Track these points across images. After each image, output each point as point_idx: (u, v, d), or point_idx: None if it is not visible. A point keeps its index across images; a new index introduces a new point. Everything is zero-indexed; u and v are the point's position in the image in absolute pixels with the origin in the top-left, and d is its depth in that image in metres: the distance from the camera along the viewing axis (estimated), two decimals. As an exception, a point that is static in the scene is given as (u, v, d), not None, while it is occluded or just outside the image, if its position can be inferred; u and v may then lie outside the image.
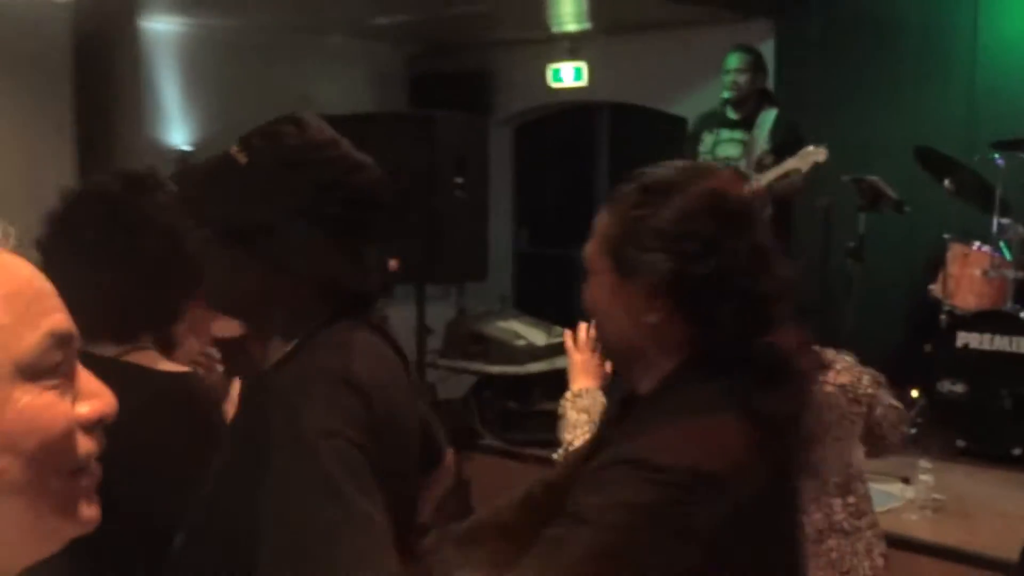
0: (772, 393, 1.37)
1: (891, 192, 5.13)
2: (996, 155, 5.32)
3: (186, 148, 6.63)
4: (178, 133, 6.71)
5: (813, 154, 5.23)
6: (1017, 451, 4.93)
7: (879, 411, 2.47)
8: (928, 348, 5.36)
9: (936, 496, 4.48)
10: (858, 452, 2.44)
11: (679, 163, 1.53)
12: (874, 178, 5.15)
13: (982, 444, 5.10)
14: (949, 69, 6.51)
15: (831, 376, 2.41)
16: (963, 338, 5.22)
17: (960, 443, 5.16)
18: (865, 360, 6.32)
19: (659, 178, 1.46)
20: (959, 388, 5.21)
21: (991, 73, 6.33)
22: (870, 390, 2.48)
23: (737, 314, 1.36)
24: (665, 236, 1.38)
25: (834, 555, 2.32)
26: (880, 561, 2.36)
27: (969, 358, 5.18)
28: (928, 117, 6.39)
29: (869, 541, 2.36)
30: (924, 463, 4.60)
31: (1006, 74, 6.23)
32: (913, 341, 5.68)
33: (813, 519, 2.30)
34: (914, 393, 5.34)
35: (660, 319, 1.40)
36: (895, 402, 2.60)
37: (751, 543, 1.31)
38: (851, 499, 2.35)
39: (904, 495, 4.55)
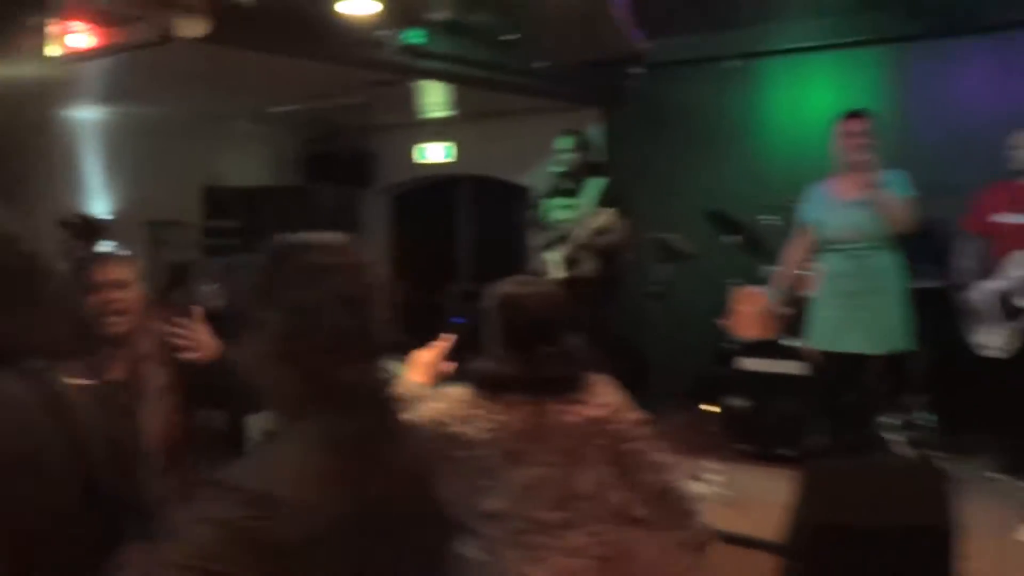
0: (354, 424, 1.35)
1: (683, 247, 5.26)
2: (768, 216, 5.53)
3: (108, 216, 6.46)
4: (100, 204, 6.53)
5: (604, 214, 5.36)
6: (785, 452, 5.05)
7: (626, 446, 2.28)
8: (719, 371, 5.50)
9: (724, 492, 4.54)
10: (594, 475, 2.25)
11: (305, 235, 1.47)
12: (670, 236, 5.27)
13: (760, 447, 5.22)
14: (735, 147, 6.72)
15: (584, 409, 2.25)
16: (745, 363, 5.37)
17: (744, 447, 5.28)
18: (671, 381, 6.50)
19: (281, 247, 1.42)
20: (742, 403, 5.34)
21: (766, 150, 6.57)
22: (622, 427, 2.29)
23: (326, 354, 1.35)
24: (272, 294, 1.37)
25: (536, 551, 2.18)
26: (593, 562, 2.21)
27: (750, 379, 5.33)
28: (719, 185, 6.58)
29: (577, 545, 2.20)
30: (714, 464, 4.69)
31: (776, 152, 6.47)
32: (708, 366, 5.83)
33: (506, 522, 2.18)
34: (712, 408, 5.49)
35: (275, 365, 1.37)
36: (659, 457, 2.34)
37: (333, 561, 1.26)
38: (566, 513, 2.19)
39: (697, 491, 4.62)
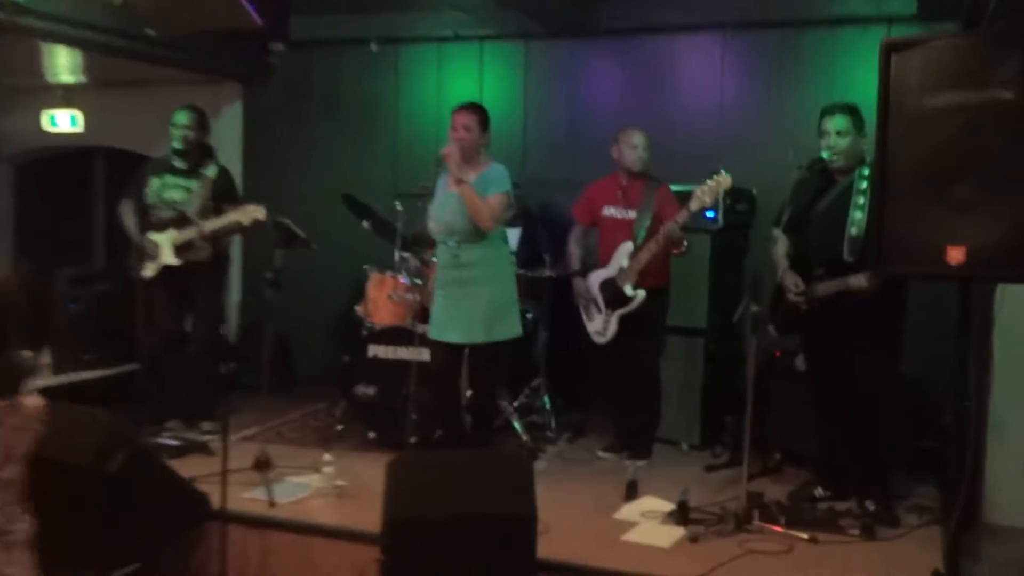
0: None
1: (300, 232, 4.83)
2: (399, 202, 5.20)
3: None
4: None
5: (254, 211, 4.76)
6: (414, 439, 4.80)
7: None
8: (347, 359, 5.13)
9: (339, 483, 4.20)
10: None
11: None
12: (286, 221, 4.82)
13: (387, 435, 4.88)
14: (377, 132, 6.38)
15: (23, 411, 2.14)
16: (373, 350, 5.02)
17: (371, 435, 4.95)
18: (300, 372, 6.09)
19: None
20: (371, 391, 4.98)
21: (409, 135, 6.30)
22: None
23: None
24: None
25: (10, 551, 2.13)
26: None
27: (378, 366, 4.99)
28: (360, 170, 6.24)
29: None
30: (328, 456, 4.33)
31: (420, 136, 6.19)
32: (343, 353, 5.44)
33: None
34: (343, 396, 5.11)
35: None
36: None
37: None
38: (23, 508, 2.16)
39: (313, 484, 4.25)
